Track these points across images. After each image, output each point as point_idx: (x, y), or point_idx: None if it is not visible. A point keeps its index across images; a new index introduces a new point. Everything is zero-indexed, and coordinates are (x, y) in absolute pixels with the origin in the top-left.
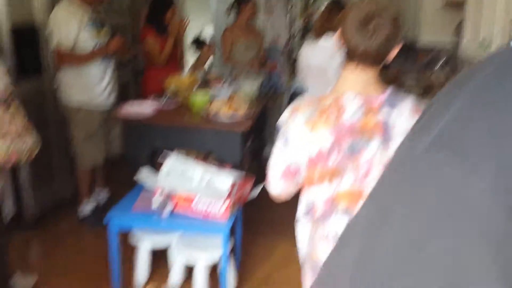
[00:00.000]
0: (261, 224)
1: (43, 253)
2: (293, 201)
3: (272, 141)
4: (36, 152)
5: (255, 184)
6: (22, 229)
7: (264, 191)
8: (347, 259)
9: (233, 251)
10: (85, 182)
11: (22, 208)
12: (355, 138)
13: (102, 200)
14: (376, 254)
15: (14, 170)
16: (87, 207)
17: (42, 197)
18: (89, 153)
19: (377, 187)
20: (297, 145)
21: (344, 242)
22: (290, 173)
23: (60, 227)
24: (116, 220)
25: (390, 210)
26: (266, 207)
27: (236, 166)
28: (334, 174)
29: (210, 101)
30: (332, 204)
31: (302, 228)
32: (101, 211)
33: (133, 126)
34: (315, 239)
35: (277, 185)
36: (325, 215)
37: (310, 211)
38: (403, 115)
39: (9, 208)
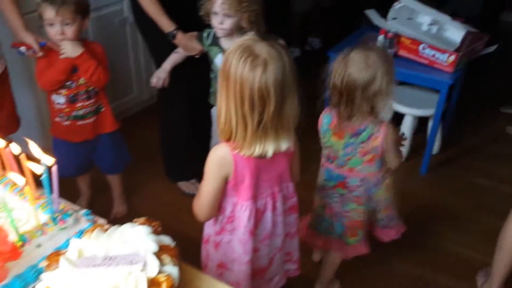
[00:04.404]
0: (479, 92)
1: None
2: None
3: None
4: None
5: (489, 43)
6: None
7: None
8: None
9: (443, 114)
10: None
11: None
12: None
13: (316, 46)
14: None
15: None
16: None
17: None
18: None
19: None
20: None
21: None
22: None
23: None
24: None
25: None
26: (492, 75)
27: (471, 21)
28: None
29: None
30: None
31: None
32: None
33: None
34: None
35: None
36: None
37: None
38: None
39: None
